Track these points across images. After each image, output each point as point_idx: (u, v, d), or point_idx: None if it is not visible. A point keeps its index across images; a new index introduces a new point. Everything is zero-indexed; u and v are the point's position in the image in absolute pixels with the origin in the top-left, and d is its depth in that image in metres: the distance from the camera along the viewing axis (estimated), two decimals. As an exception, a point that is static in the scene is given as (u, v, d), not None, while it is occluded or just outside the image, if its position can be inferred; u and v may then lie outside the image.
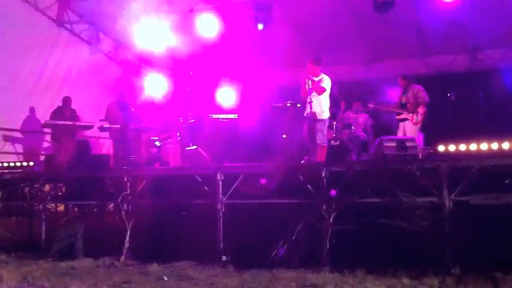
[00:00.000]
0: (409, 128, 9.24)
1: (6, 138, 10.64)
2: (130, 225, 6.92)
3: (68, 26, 11.76)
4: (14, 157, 10.39)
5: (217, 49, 11.33)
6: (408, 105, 9.34)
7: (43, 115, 10.50)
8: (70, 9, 11.67)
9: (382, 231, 5.56)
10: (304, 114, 8.37)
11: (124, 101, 10.23)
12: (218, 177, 6.66)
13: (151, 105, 10.93)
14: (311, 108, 8.17)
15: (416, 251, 5.42)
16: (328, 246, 5.93)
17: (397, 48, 11.81)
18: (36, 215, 8.00)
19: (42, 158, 10.83)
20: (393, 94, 9.86)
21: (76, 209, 8.27)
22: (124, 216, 6.96)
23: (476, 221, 5.44)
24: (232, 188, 6.60)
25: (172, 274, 5.77)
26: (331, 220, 6.00)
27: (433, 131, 9.35)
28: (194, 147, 9.04)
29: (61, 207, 8.54)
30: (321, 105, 8.27)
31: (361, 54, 12.36)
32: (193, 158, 8.70)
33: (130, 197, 7.05)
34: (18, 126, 10.92)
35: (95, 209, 7.90)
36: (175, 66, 12.84)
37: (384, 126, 10.22)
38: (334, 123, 9.91)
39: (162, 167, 8.95)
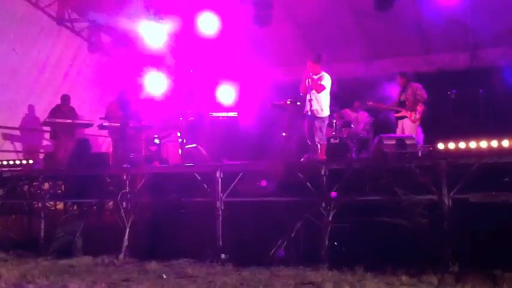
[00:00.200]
0: (408, 126, 9.24)
1: (6, 136, 10.64)
2: (130, 223, 6.94)
3: (68, 24, 11.76)
4: (13, 155, 10.37)
5: (217, 47, 11.32)
6: (407, 103, 9.34)
7: (43, 113, 10.50)
8: (70, 7, 11.67)
9: (381, 229, 5.57)
10: (304, 112, 8.36)
11: (124, 99, 10.22)
12: (217, 175, 6.66)
13: (151, 103, 10.91)
14: (310, 106, 8.16)
15: (415, 248, 5.43)
16: (327, 244, 5.93)
17: (398, 46, 11.78)
18: (35, 213, 8.02)
19: (41, 156, 10.85)
20: (393, 92, 9.85)
21: (75, 207, 8.27)
22: (123, 214, 6.97)
23: (475, 219, 5.44)
24: (232, 186, 6.60)
25: (171, 272, 5.76)
26: (330, 218, 6.00)
27: (432, 128, 9.33)
28: (194, 145, 9.03)
29: (60, 205, 8.56)
30: (320, 103, 8.25)
31: (361, 51, 12.31)
32: (193, 156, 8.69)
33: (129, 195, 7.06)
34: (17, 124, 10.92)
35: (94, 207, 7.93)
36: (175, 64, 12.82)
37: (383, 124, 10.20)
38: (334, 121, 9.90)
39: (162, 165, 8.94)
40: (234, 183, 6.59)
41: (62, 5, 11.45)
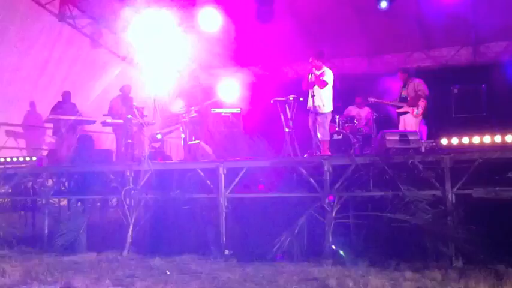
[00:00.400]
0: (410, 121, 9.21)
1: (9, 133, 10.65)
2: (133, 219, 6.94)
3: (70, 21, 11.74)
4: (16, 152, 10.40)
5: (220, 43, 11.30)
6: (408, 99, 9.32)
7: (46, 110, 10.50)
8: (72, 4, 11.65)
9: (384, 224, 5.57)
10: (307, 107, 8.36)
11: (127, 96, 10.23)
12: (221, 171, 6.66)
13: (154, 100, 10.89)
14: (313, 101, 8.16)
15: (418, 244, 5.43)
16: (330, 239, 5.94)
17: (400, 42, 11.78)
18: (39, 209, 8.04)
19: (45, 152, 10.85)
20: (395, 87, 9.83)
21: (79, 204, 8.27)
22: (127, 211, 6.97)
23: (479, 214, 5.44)
24: (235, 182, 6.60)
25: (175, 268, 5.76)
26: (333, 214, 6.00)
27: (435, 124, 9.34)
28: (197, 141, 9.04)
29: (64, 202, 8.56)
30: (322, 99, 8.24)
31: (363, 47, 12.31)
32: (196, 152, 8.69)
33: (133, 192, 7.06)
34: (20, 121, 10.94)
35: (98, 204, 7.93)
36: (178, 60, 12.80)
37: (386, 120, 10.19)
38: (337, 117, 9.89)
39: (165, 161, 8.94)
40: (238, 179, 6.60)
41: (63, 1, 11.44)
